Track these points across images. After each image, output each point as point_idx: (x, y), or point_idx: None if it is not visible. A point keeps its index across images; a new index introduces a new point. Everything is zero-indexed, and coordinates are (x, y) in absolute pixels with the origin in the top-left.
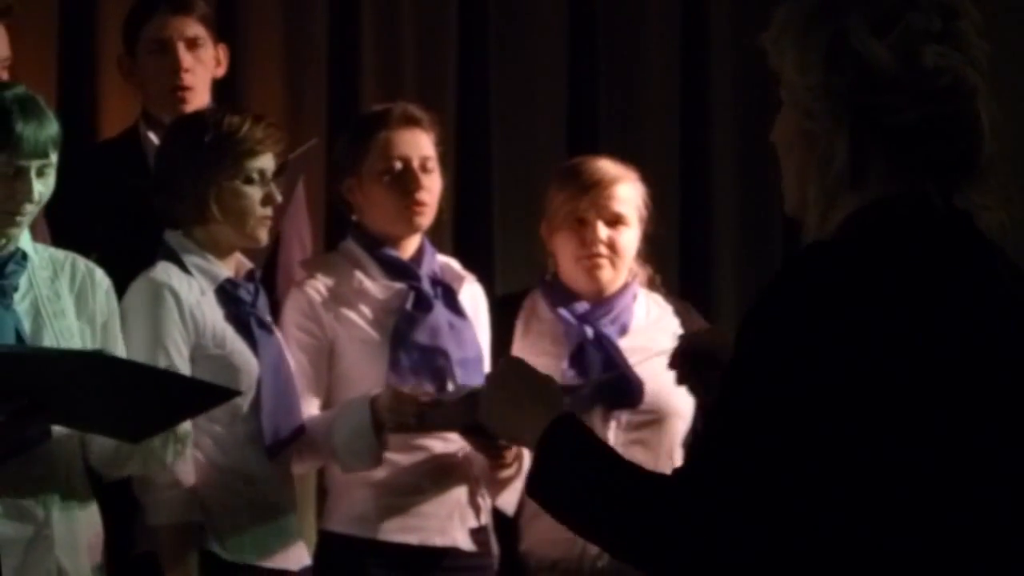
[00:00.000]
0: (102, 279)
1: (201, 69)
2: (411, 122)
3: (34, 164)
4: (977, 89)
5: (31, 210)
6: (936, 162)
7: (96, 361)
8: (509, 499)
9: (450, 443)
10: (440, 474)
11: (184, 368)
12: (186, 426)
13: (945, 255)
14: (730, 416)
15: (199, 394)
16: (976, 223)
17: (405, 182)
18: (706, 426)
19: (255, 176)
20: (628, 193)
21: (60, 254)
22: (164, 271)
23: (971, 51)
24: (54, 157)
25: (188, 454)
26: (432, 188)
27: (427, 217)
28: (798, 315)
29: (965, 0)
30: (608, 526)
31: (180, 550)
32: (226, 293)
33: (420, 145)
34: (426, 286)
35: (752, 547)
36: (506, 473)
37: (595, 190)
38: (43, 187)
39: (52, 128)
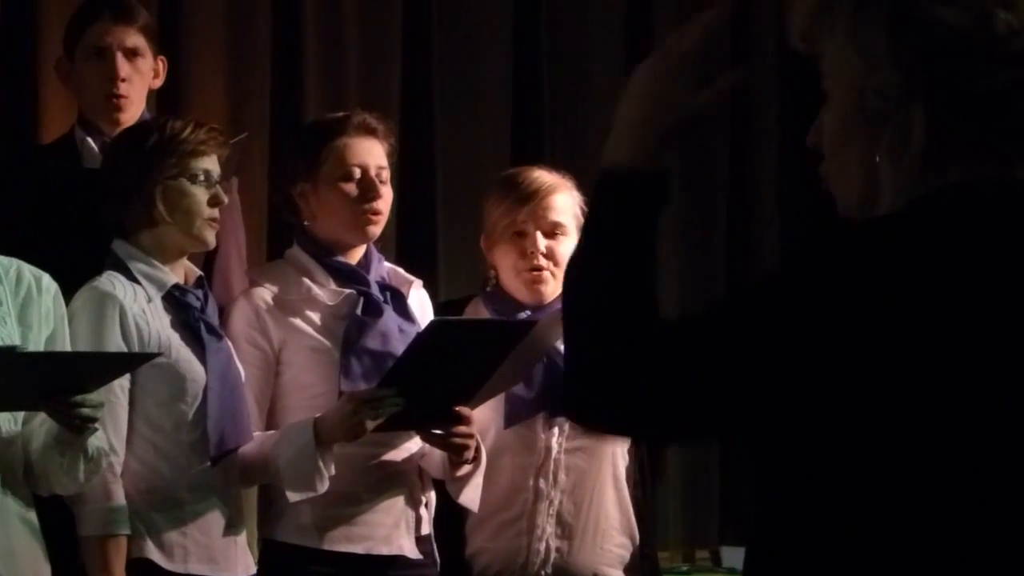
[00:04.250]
0: (49, 285)
1: (138, 79)
2: (368, 131)
3: None
4: None
5: None
6: (1015, 132)
7: (10, 356)
8: (471, 496)
9: (394, 451)
10: (386, 482)
11: (124, 380)
12: (97, 444)
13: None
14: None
15: (117, 362)
16: None
17: (363, 190)
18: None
19: (200, 175)
20: (565, 202)
21: (6, 261)
22: (109, 280)
23: None
24: None
25: (118, 468)
26: (387, 197)
27: (380, 226)
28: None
29: None
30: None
31: (106, 562)
32: (174, 299)
33: (377, 154)
34: (375, 291)
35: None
36: (466, 469)
37: (533, 201)
38: None
39: None
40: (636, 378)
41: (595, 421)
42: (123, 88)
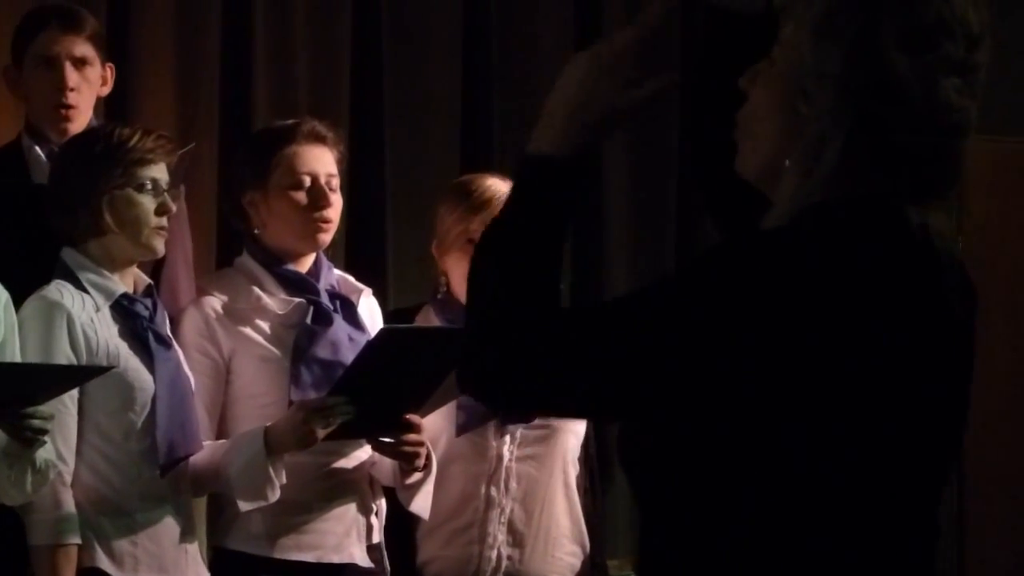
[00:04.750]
0: None
1: (86, 88)
2: (318, 139)
3: None
4: (972, 127)
5: None
6: (916, 184)
7: None
8: (422, 504)
9: (345, 459)
10: (336, 491)
11: (73, 389)
12: (45, 456)
13: (904, 263)
14: (634, 305)
15: (68, 375)
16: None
17: (313, 199)
18: (613, 300)
19: (148, 184)
20: None
21: None
22: (57, 289)
23: (979, 84)
24: None
25: (68, 477)
26: (337, 205)
27: (331, 234)
28: (740, 292)
29: (987, 25)
30: (495, 293)
31: (56, 571)
32: (122, 308)
33: (326, 162)
34: (325, 300)
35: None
36: (416, 477)
37: (486, 210)
38: None
39: None
40: (530, 354)
41: (487, 390)
42: (71, 97)
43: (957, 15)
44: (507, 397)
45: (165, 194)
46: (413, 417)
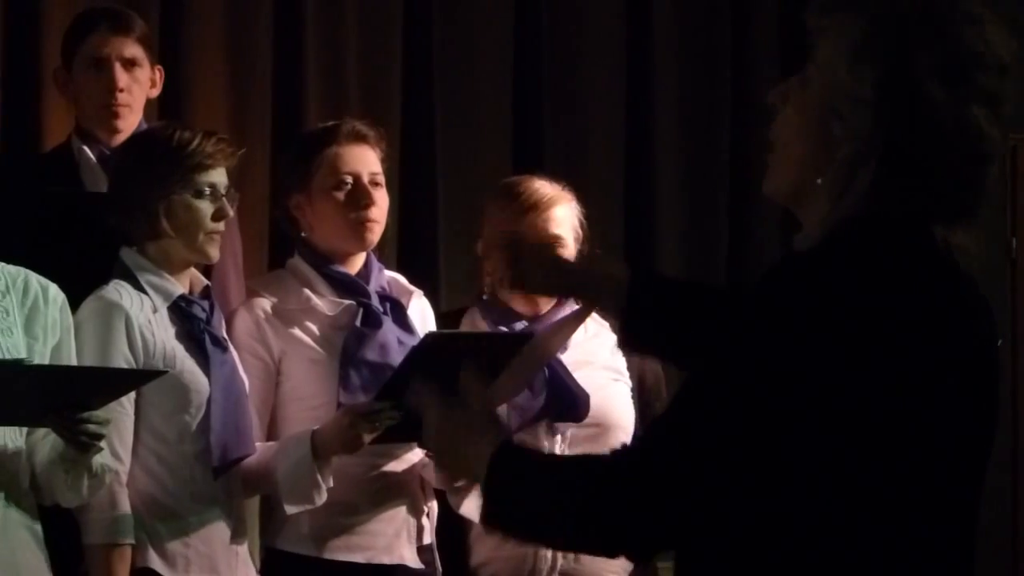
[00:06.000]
0: (56, 295)
1: (136, 89)
2: (359, 138)
3: None
4: (999, 154)
5: None
6: (944, 206)
7: (17, 369)
8: (473, 506)
9: (396, 461)
10: (387, 492)
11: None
12: (101, 460)
13: (934, 281)
14: (691, 408)
15: (124, 379)
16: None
17: (356, 198)
18: (665, 413)
19: (205, 190)
20: (564, 213)
21: (13, 270)
22: (116, 290)
23: (1006, 112)
24: None
25: (124, 477)
26: (381, 204)
27: (377, 233)
28: (786, 324)
29: (1015, 54)
30: (562, 523)
31: (111, 571)
32: (180, 310)
33: (368, 161)
34: (375, 302)
35: (688, 534)
36: (466, 481)
37: (532, 213)
38: None
39: None
40: (635, 522)
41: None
42: (121, 98)
43: (990, 47)
44: (656, 547)
45: (223, 199)
46: None
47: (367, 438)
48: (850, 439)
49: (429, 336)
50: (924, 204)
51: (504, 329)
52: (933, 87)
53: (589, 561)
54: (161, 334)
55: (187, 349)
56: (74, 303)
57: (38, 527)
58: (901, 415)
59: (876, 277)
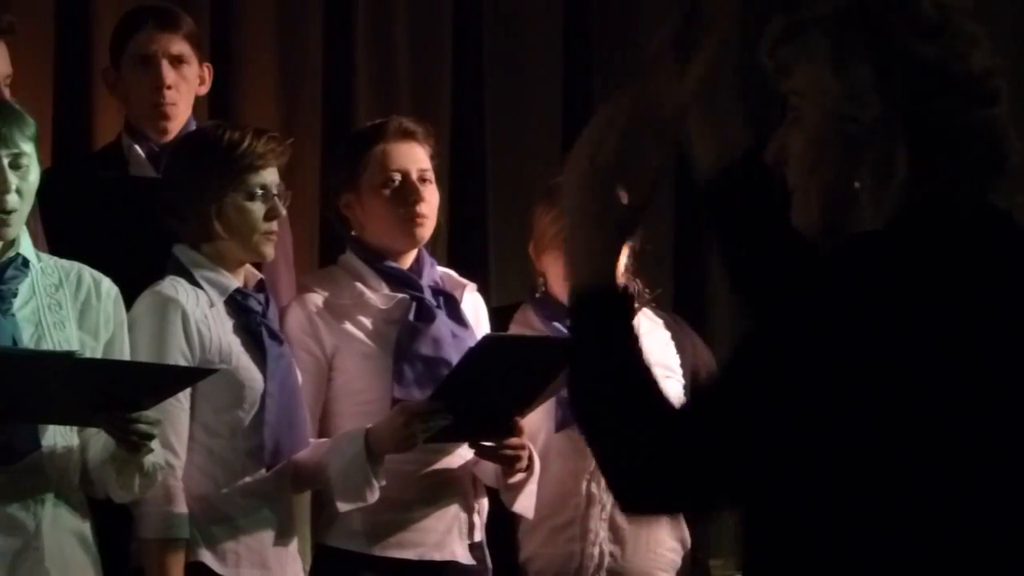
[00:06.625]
0: (109, 289)
1: (184, 86)
2: (407, 135)
3: (3, 154)
4: (1005, 92)
5: (13, 203)
6: (983, 162)
7: (68, 362)
8: (526, 503)
9: (449, 457)
10: (439, 489)
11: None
12: (153, 459)
13: (1003, 254)
14: (754, 377)
15: (176, 377)
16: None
17: (405, 195)
18: (730, 377)
19: (257, 191)
20: None
21: (67, 264)
22: (172, 285)
23: (988, 47)
24: (27, 148)
25: (179, 472)
26: (431, 200)
27: (427, 229)
28: (850, 305)
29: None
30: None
31: (164, 565)
32: (236, 304)
33: (417, 157)
34: (428, 296)
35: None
36: (519, 477)
37: None
38: (19, 179)
39: (20, 120)
40: (669, 468)
41: (650, 513)
42: (169, 96)
43: None
44: (666, 512)
45: (275, 198)
46: (514, 420)
47: (421, 438)
48: (934, 423)
49: (486, 338)
50: (964, 168)
51: (558, 326)
52: (920, 47)
53: (636, 558)
54: (218, 329)
55: (243, 344)
56: (127, 295)
57: (87, 525)
58: (989, 402)
59: (957, 262)
